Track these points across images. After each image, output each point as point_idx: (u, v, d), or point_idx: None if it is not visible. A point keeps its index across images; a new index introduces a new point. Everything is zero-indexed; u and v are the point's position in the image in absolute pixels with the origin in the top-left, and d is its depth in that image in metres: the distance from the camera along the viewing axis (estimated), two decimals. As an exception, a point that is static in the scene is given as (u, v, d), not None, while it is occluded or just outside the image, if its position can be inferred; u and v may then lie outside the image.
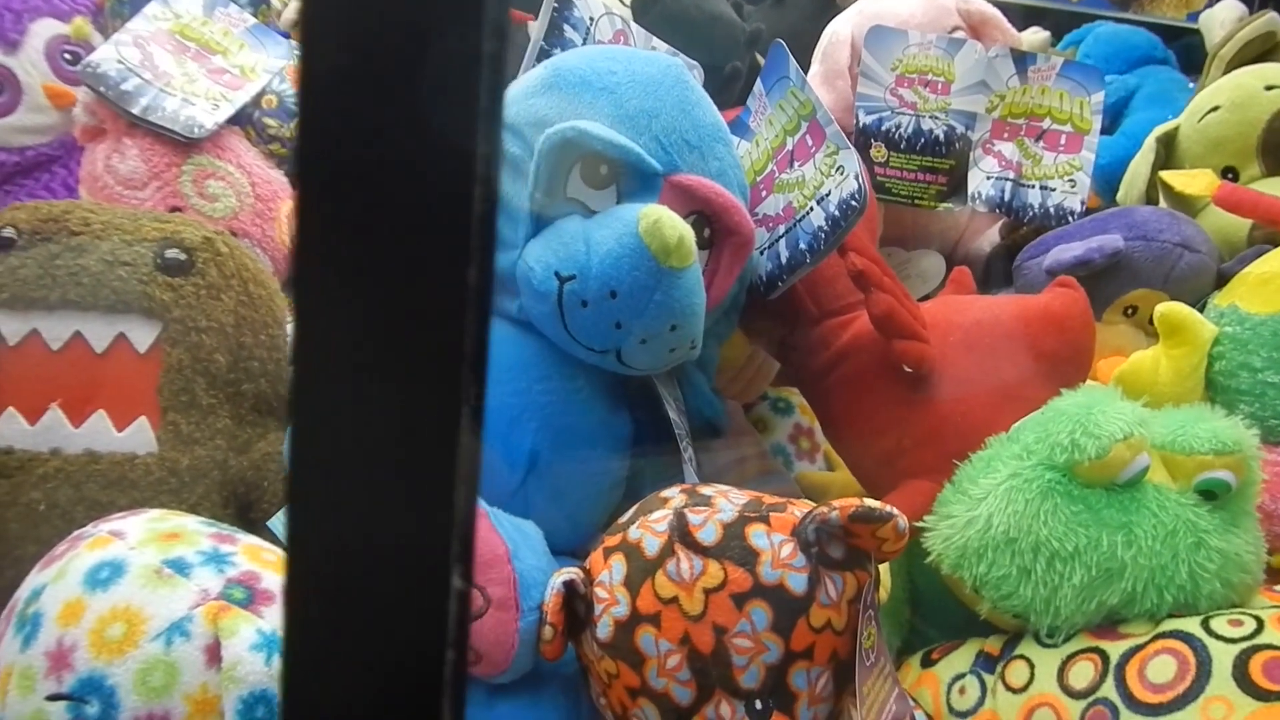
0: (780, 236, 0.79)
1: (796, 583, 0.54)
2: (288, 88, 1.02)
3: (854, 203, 0.73)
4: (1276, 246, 0.90)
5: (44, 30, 1.02)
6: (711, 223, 0.71)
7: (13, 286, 0.68)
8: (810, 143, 0.79)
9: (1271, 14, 1.23)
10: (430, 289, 0.25)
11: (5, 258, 0.69)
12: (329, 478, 0.25)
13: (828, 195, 0.76)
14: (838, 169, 0.75)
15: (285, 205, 0.97)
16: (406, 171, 0.25)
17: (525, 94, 0.70)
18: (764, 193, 0.83)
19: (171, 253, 0.71)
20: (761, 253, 0.81)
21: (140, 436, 0.68)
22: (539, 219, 0.67)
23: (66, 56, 1.02)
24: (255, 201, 0.95)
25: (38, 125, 1.01)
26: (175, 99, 0.92)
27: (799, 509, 0.58)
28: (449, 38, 0.24)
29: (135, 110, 0.89)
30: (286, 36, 1.05)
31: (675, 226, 0.62)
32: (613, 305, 0.63)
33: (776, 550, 0.55)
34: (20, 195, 1.00)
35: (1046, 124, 1.05)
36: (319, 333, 0.25)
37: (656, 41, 0.89)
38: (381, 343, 0.25)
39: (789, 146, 0.81)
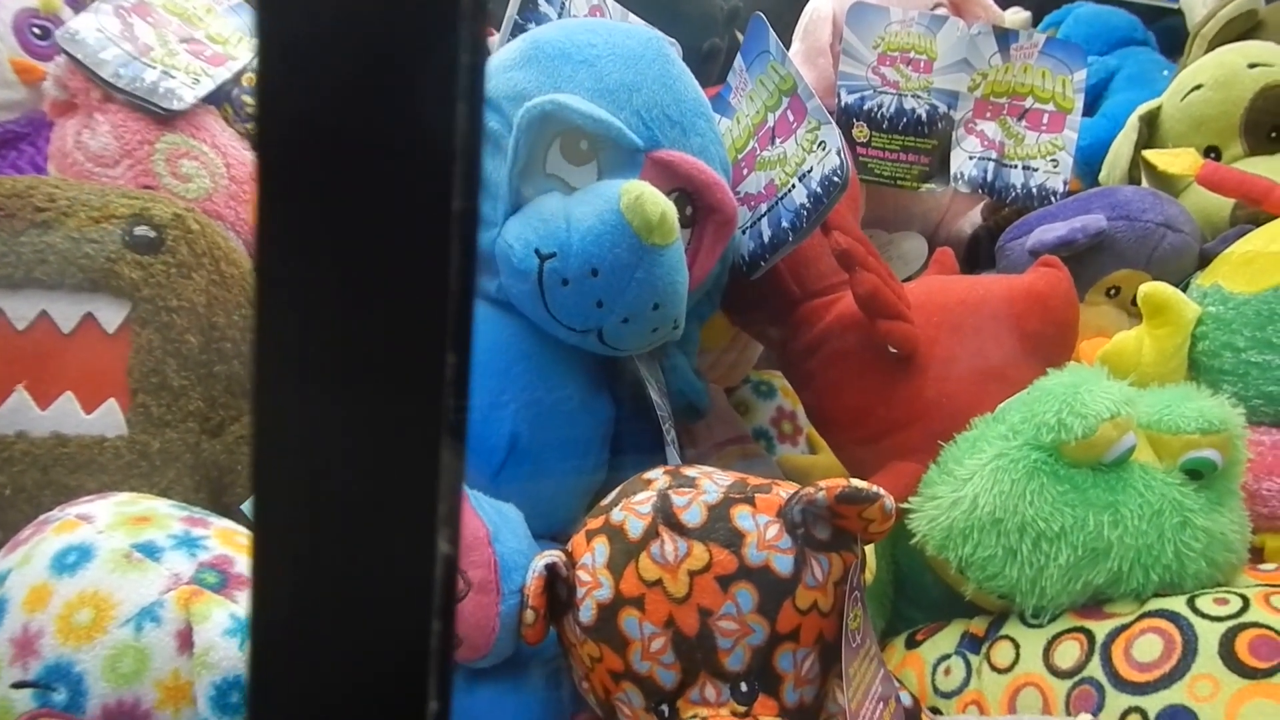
0: (762, 215, 0.78)
1: (782, 564, 0.54)
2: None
3: (836, 179, 0.72)
4: (1259, 226, 0.90)
5: (11, 3, 0.99)
6: (694, 200, 0.69)
7: (-25, 264, 0.66)
8: (791, 118, 0.78)
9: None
10: (410, 257, 0.24)
11: (-33, 235, 0.67)
12: (302, 442, 0.24)
13: (810, 172, 0.74)
14: (820, 145, 0.74)
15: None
16: (381, 154, 0.23)
17: (503, 67, 0.68)
18: (746, 170, 0.82)
19: (140, 230, 0.68)
20: (744, 232, 0.80)
21: (109, 419, 0.66)
22: (518, 196, 0.65)
23: (35, 31, 0.99)
24: (229, 183, 0.92)
25: (5, 101, 0.98)
26: (155, 71, 0.89)
27: (784, 490, 0.57)
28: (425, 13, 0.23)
29: (112, 79, 0.86)
30: None
31: (657, 203, 0.61)
32: (594, 284, 0.62)
33: (762, 532, 0.54)
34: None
35: (1029, 103, 1.04)
36: (285, 307, 0.24)
37: (633, 18, 0.87)
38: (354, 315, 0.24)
39: (770, 123, 0.80)
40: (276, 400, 0.24)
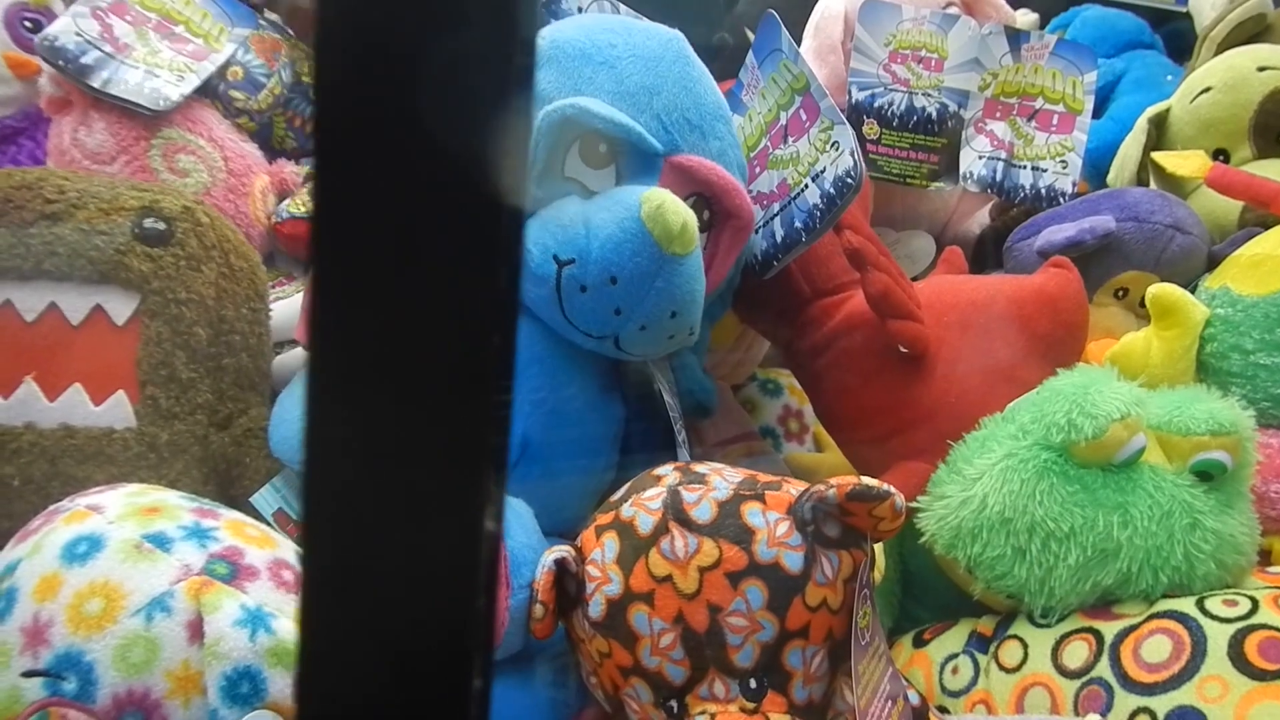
0: (775, 214, 0.78)
1: (792, 561, 0.54)
2: (253, 58, 0.99)
3: (850, 180, 0.72)
4: (1268, 229, 0.89)
5: (0, -3, 0.99)
6: (711, 205, 0.69)
7: (-15, 255, 0.66)
8: (804, 118, 0.78)
9: (1262, -4, 1.23)
10: (460, 245, 0.24)
11: (-23, 225, 0.67)
12: (354, 424, 0.24)
13: (823, 172, 0.74)
14: (833, 145, 0.74)
15: (259, 180, 0.94)
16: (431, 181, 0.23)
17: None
18: (758, 169, 0.82)
19: (150, 222, 0.68)
20: (756, 231, 0.79)
21: (118, 411, 0.66)
22: (536, 198, 0.65)
23: (27, 24, 0.98)
24: (228, 176, 0.92)
25: (1, 97, 0.98)
26: (138, 71, 0.88)
27: (794, 488, 0.57)
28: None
29: (96, 84, 0.85)
30: (251, 7, 1.02)
31: (679, 213, 0.60)
32: (613, 291, 0.62)
33: (772, 529, 0.54)
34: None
35: (1039, 104, 1.04)
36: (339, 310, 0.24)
37: (639, 16, 0.87)
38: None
39: (782, 121, 0.80)
40: (329, 385, 0.24)
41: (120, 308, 0.67)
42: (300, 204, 0.93)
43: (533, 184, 0.65)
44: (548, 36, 0.70)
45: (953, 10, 1.04)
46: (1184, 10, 1.50)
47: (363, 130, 0.23)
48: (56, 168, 0.88)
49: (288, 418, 0.65)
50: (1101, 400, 0.65)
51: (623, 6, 0.86)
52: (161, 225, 0.69)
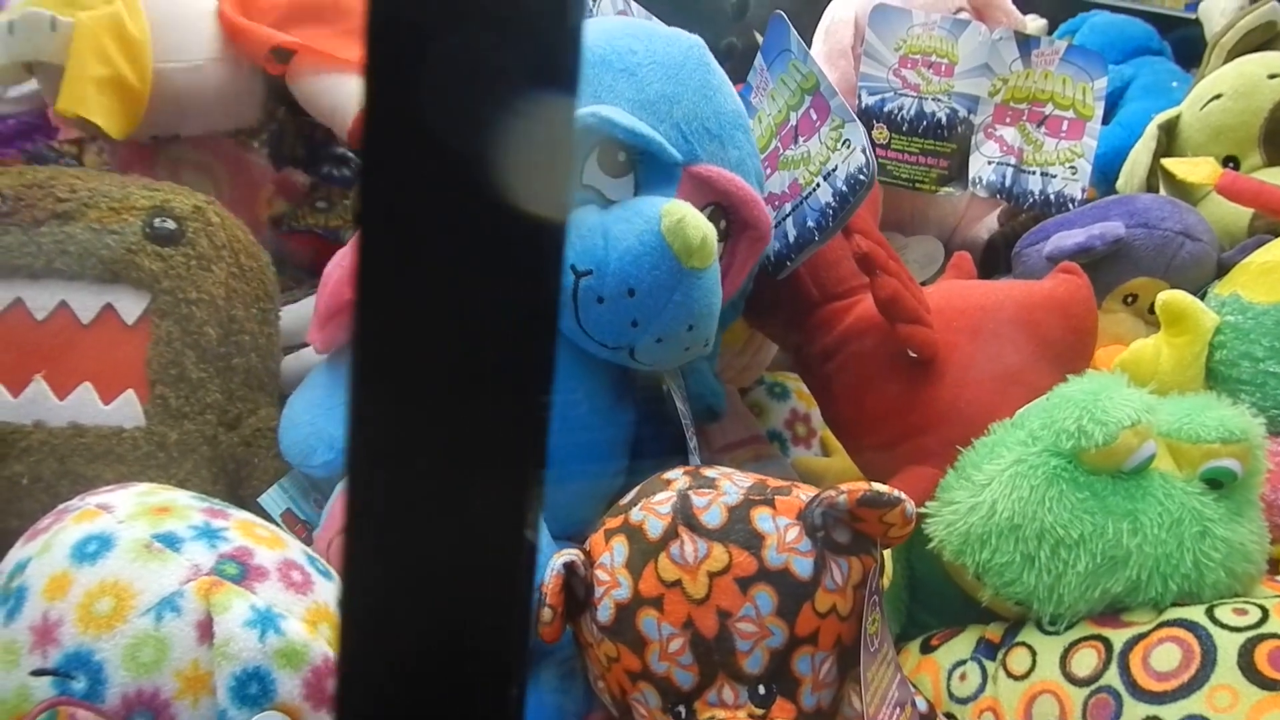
0: (787, 215, 0.78)
1: (802, 567, 0.53)
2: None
3: (862, 176, 0.72)
4: (1278, 236, 0.89)
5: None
6: (729, 214, 0.69)
7: (-3, 253, 0.66)
8: (814, 117, 0.77)
9: (1273, 3, 1.23)
10: (506, 252, 0.24)
11: (-11, 224, 0.67)
12: (396, 431, 0.24)
13: (834, 170, 0.74)
14: (844, 143, 0.74)
15: (266, 188, 0.95)
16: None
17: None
18: (769, 170, 0.82)
19: (161, 221, 0.68)
20: (767, 233, 0.79)
21: (127, 410, 0.66)
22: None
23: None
24: (233, 190, 0.92)
25: (18, 95, 0.98)
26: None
27: (804, 493, 0.57)
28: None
29: None
30: None
31: (699, 227, 0.60)
32: (630, 303, 0.62)
33: (782, 534, 0.54)
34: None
35: (1049, 109, 1.04)
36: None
37: (654, 19, 0.87)
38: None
39: (792, 121, 0.80)
40: (372, 386, 0.24)
41: (130, 307, 0.67)
42: (307, 217, 0.93)
43: None
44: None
45: (963, 15, 1.04)
46: (1193, 17, 1.50)
47: (409, 133, 0.23)
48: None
49: (298, 420, 0.65)
50: (1112, 407, 0.65)
51: (635, 5, 0.86)
52: (172, 224, 0.69)
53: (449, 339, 0.24)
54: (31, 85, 0.98)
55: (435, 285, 0.24)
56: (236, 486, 0.68)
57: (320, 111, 0.87)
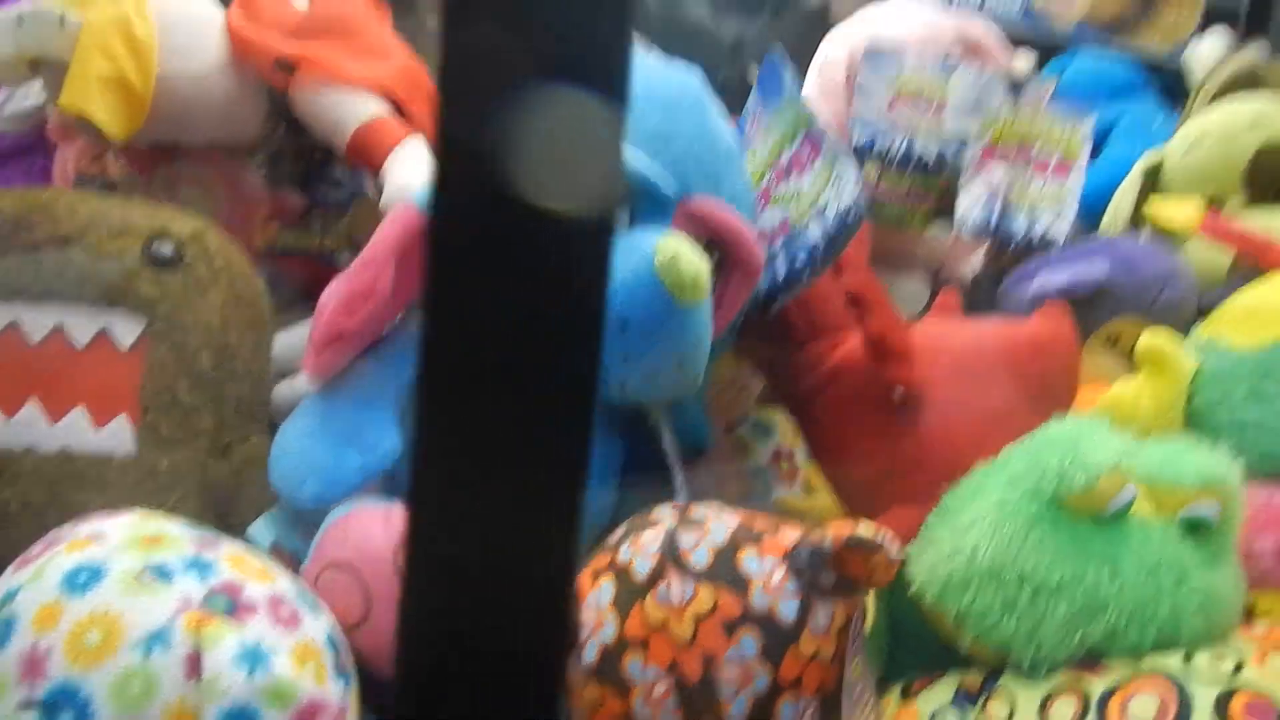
0: (777, 252, 0.79)
1: (787, 610, 0.54)
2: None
3: (852, 214, 0.73)
4: (1258, 280, 0.91)
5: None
6: (721, 250, 0.70)
7: (-5, 276, 0.66)
8: (807, 154, 0.79)
9: (1257, 48, 1.25)
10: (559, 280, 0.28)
11: (-13, 246, 0.68)
12: (459, 448, 0.27)
13: (825, 208, 0.75)
14: (835, 179, 0.75)
15: (260, 209, 0.95)
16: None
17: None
18: (761, 206, 0.83)
19: (160, 245, 0.69)
20: (757, 270, 0.80)
21: (119, 436, 0.66)
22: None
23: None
24: (230, 208, 0.93)
25: (17, 112, 0.99)
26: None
27: (790, 533, 0.58)
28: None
29: None
30: None
31: (692, 263, 0.61)
32: (621, 338, 0.63)
33: (768, 576, 0.55)
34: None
35: (1036, 149, 1.06)
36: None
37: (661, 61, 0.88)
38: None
39: (785, 158, 0.81)
40: (438, 402, 0.26)
41: (126, 331, 0.67)
42: (301, 239, 0.93)
43: None
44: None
45: (954, 57, 1.05)
46: (1177, 66, 1.52)
47: (473, 159, 0.25)
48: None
49: (290, 449, 0.66)
50: (1093, 450, 0.66)
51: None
52: (171, 249, 0.69)
53: (502, 352, 0.27)
54: (28, 102, 0.99)
55: (491, 300, 0.26)
56: (225, 516, 0.68)
57: (321, 126, 0.88)
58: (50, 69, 0.81)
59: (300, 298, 0.94)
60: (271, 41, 0.85)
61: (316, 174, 0.99)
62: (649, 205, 0.67)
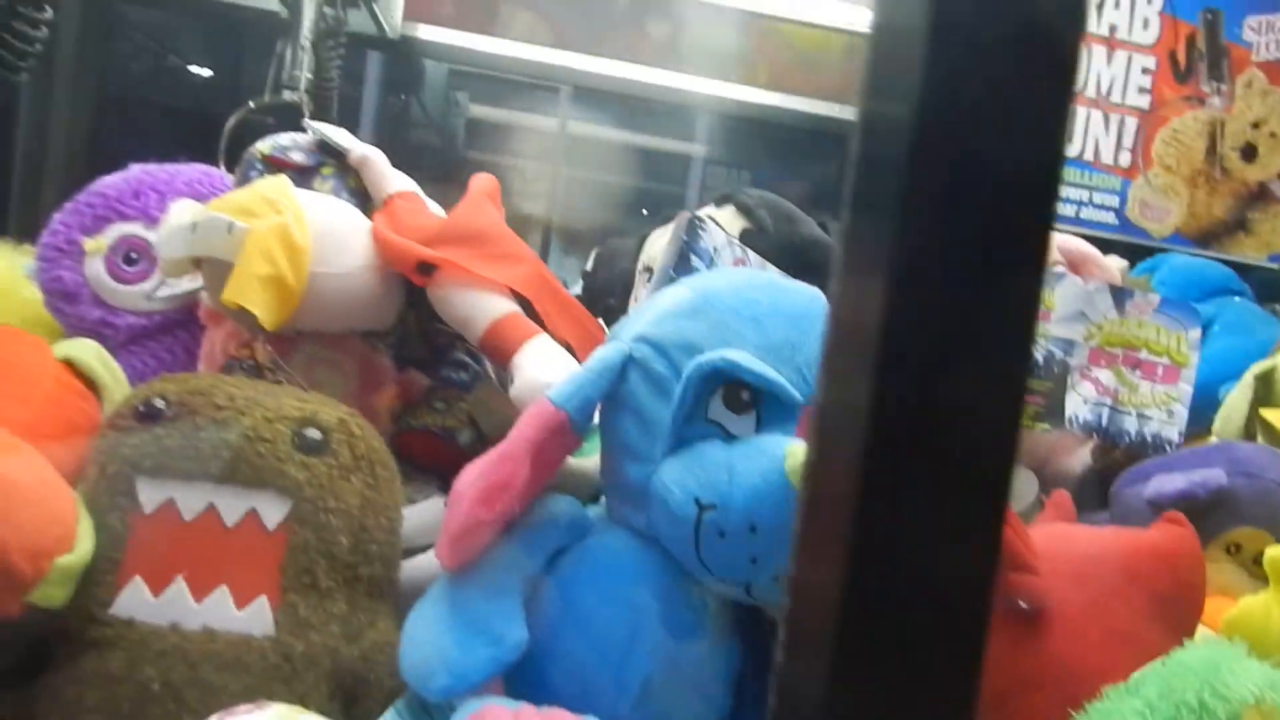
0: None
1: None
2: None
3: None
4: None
5: (182, 209, 1.08)
6: None
7: (157, 455, 0.70)
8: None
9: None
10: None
11: (153, 427, 0.72)
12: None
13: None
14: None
15: (387, 390, 1.00)
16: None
17: (673, 315, 0.73)
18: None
19: (309, 432, 0.73)
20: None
21: (259, 617, 0.68)
22: (678, 438, 0.68)
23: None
24: (360, 386, 0.98)
25: (167, 295, 1.07)
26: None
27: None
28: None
29: None
30: None
31: None
32: (751, 540, 0.64)
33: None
34: (144, 355, 1.04)
35: (1143, 355, 1.07)
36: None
37: (770, 267, 0.93)
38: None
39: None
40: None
41: (273, 512, 0.70)
42: (425, 416, 0.97)
43: (677, 424, 0.68)
44: (700, 290, 0.75)
45: (1059, 269, 1.08)
46: (1276, 267, 1.54)
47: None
48: (207, 370, 0.94)
49: (419, 640, 0.67)
50: (1234, 681, 0.63)
51: (752, 254, 0.93)
52: (319, 435, 0.73)
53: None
54: (179, 288, 1.06)
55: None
56: (351, 705, 0.69)
57: (454, 320, 0.94)
58: (213, 266, 0.88)
59: (417, 472, 0.97)
60: (414, 246, 0.92)
61: (442, 355, 1.04)
62: (776, 410, 0.69)
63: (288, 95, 1.52)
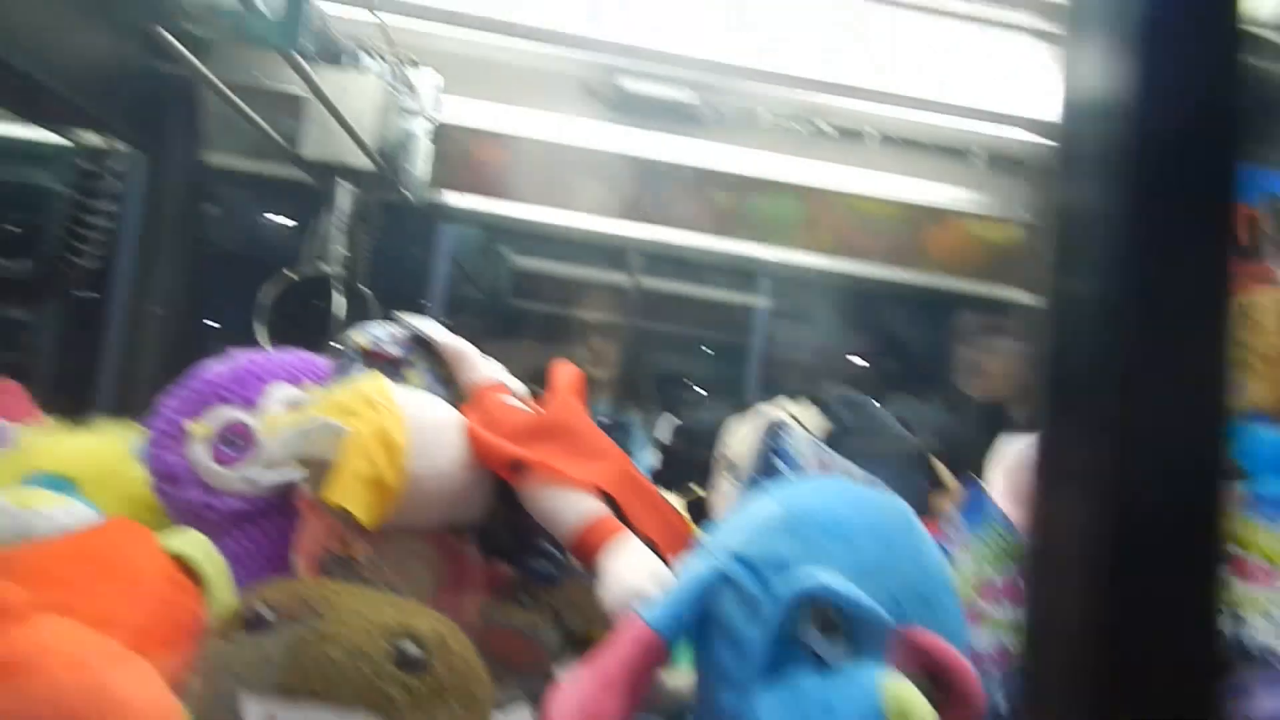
0: (998, 681, 0.78)
1: None
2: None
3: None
4: None
5: (280, 394, 1.14)
6: (938, 681, 0.71)
7: (261, 669, 0.72)
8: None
9: None
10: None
11: (258, 637, 0.74)
12: None
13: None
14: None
15: (475, 585, 1.01)
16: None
17: (761, 531, 0.74)
18: (970, 622, 0.83)
19: (409, 648, 0.74)
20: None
21: (352, 845, 0.68)
22: (768, 661, 0.68)
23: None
24: (448, 579, 0.99)
25: (266, 478, 1.10)
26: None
27: None
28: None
29: None
30: None
31: (921, 712, 0.62)
32: None
33: None
34: (243, 539, 1.07)
35: (1238, 553, 1.04)
36: None
37: (853, 468, 0.94)
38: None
39: (998, 583, 0.82)
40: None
41: (369, 731, 0.71)
42: (510, 613, 0.98)
43: (764, 644, 0.68)
44: (789, 506, 0.76)
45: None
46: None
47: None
48: (301, 559, 0.97)
49: None
50: None
51: (836, 456, 0.94)
52: (419, 652, 0.74)
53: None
54: (281, 476, 1.10)
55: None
56: None
57: (541, 516, 0.96)
58: (315, 465, 0.92)
59: (503, 671, 0.97)
60: (507, 445, 0.95)
61: (528, 546, 1.06)
62: (867, 635, 0.69)
63: (321, 266, 1.63)
